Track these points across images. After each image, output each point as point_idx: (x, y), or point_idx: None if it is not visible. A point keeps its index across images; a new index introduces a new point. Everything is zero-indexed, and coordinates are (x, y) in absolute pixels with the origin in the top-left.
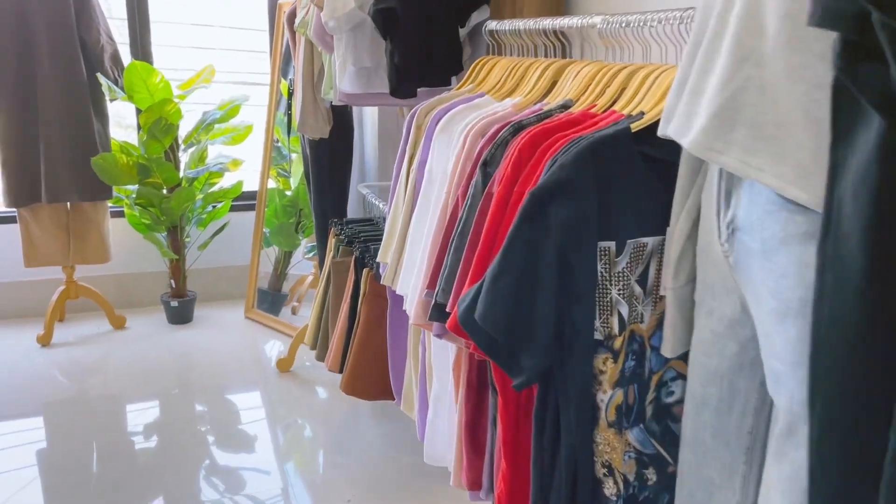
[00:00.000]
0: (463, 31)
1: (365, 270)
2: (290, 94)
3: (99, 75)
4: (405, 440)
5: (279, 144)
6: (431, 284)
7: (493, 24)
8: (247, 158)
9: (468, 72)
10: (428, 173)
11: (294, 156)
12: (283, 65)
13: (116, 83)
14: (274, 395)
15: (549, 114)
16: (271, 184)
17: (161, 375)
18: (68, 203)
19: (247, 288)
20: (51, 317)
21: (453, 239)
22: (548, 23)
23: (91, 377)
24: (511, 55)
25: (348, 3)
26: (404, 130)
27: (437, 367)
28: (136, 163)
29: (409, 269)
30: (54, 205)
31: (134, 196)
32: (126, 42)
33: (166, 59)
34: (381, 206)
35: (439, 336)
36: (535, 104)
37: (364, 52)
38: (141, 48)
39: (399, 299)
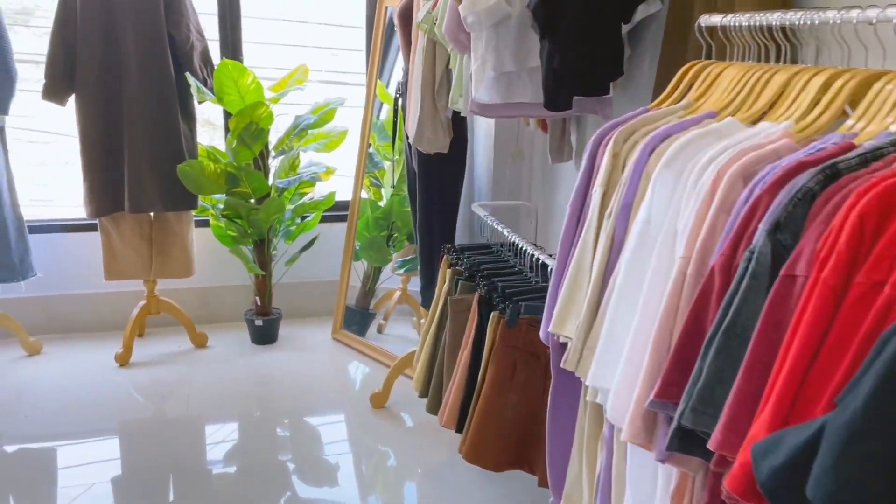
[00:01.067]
0: (625, 28)
1: (494, 315)
2: (396, 100)
3: (187, 75)
4: None
5: (371, 150)
6: (665, 393)
7: (715, 19)
8: (337, 165)
9: (673, 82)
10: (643, 224)
11: (388, 164)
12: (380, 65)
13: (205, 84)
14: (361, 426)
15: (878, 153)
16: (363, 194)
17: (242, 398)
18: (151, 213)
19: (335, 306)
20: (130, 334)
21: (717, 335)
22: (832, 15)
23: (170, 398)
24: (700, 58)
25: None
26: (584, 160)
27: (636, 483)
28: (223, 171)
29: (609, 355)
30: (137, 215)
31: (220, 206)
32: (215, 39)
33: (255, 57)
34: (504, 232)
35: (662, 461)
36: (824, 134)
37: (507, 54)
38: (231, 46)
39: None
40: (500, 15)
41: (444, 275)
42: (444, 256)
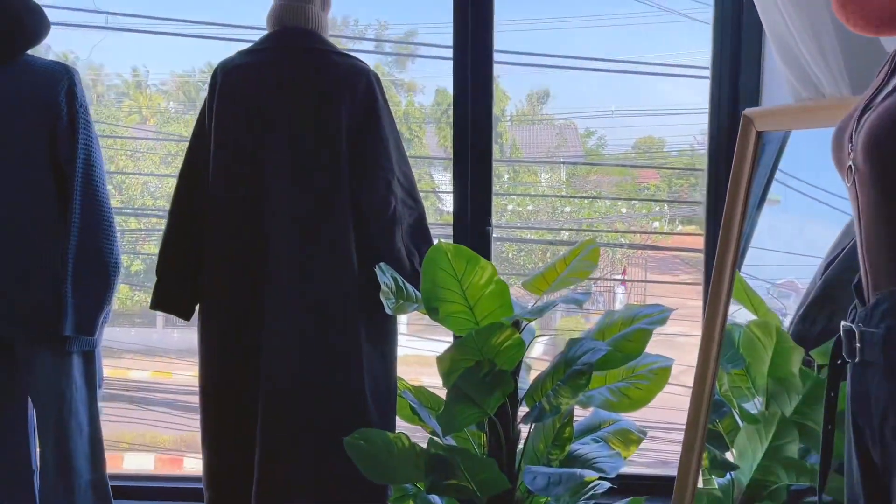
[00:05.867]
0: None
1: None
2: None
3: (381, 269)
4: None
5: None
6: None
7: None
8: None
9: None
10: None
11: (742, 420)
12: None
13: (414, 278)
14: None
15: None
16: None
17: None
18: None
19: None
20: None
21: None
22: None
23: None
24: None
25: None
26: None
27: None
28: (427, 450)
29: None
30: None
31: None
32: (439, 190)
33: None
34: None
35: None
36: None
37: None
38: (472, 214)
39: None
40: None
41: None
42: None
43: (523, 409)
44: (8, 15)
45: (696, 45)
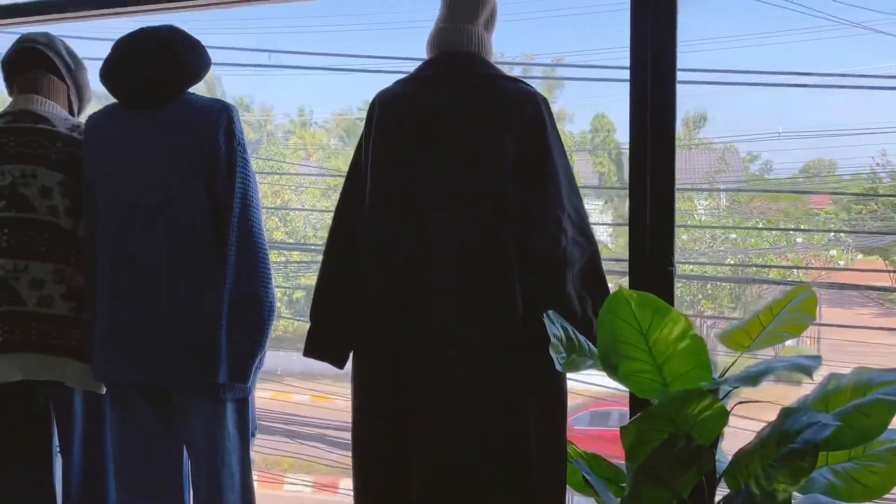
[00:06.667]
0: None
1: None
2: None
3: (549, 318)
4: None
5: None
6: None
7: None
8: None
9: None
10: None
11: None
12: None
13: (586, 327)
14: None
15: None
16: None
17: None
18: None
19: None
20: None
21: None
22: None
23: None
24: None
25: None
26: None
27: None
28: None
29: None
30: None
31: None
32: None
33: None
34: None
35: None
36: None
37: None
38: (651, 253)
39: None
40: None
41: None
42: None
43: (721, 489)
44: (171, 55)
45: (877, 57)
